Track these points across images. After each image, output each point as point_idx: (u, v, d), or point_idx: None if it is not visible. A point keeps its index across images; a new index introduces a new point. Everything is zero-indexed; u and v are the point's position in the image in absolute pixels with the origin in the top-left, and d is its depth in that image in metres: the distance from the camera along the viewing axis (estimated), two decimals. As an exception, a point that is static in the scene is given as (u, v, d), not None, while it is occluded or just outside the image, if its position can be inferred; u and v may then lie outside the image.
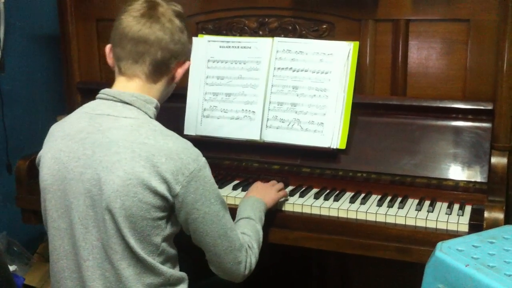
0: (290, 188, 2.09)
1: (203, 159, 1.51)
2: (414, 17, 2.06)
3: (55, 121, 2.91)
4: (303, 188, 2.08)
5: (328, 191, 2.04)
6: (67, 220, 1.52)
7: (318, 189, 2.07)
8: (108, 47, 1.61)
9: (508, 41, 1.91)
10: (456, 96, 2.04)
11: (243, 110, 2.18)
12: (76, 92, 2.60)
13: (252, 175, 2.18)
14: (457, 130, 1.99)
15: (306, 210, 1.93)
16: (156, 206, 1.45)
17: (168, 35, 1.53)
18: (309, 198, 1.99)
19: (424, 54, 2.08)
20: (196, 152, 1.50)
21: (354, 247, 1.87)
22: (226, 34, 2.31)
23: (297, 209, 1.95)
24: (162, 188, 1.43)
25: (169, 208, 1.48)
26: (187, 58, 1.63)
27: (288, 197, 2.01)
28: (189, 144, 1.51)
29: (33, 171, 2.37)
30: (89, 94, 2.54)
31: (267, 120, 2.16)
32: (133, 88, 1.55)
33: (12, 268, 2.60)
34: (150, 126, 1.49)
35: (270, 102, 2.16)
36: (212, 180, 1.53)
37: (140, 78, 1.55)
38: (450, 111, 2.01)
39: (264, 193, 1.87)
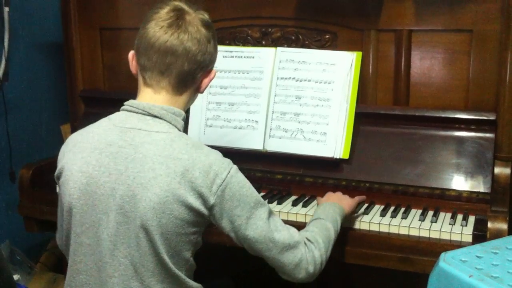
0: (293, 197, 2.10)
1: (234, 166, 1.50)
2: (417, 27, 2.06)
3: (58, 129, 2.94)
4: (306, 198, 2.08)
5: (331, 200, 2.04)
6: (92, 236, 1.48)
7: (321, 199, 2.07)
8: (131, 54, 1.57)
9: (511, 51, 1.92)
10: (459, 106, 2.04)
11: (246, 119, 2.19)
12: (80, 100, 2.61)
13: (255, 184, 2.16)
14: (460, 140, 1.99)
15: (309, 220, 1.93)
16: (190, 221, 1.44)
17: (196, 46, 1.49)
18: (312, 208, 1.99)
19: (426, 64, 2.08)
20: (227, 160, 1.50)
21: (356, 257, 1.87)
22: (229, 44, 2.32)
23: (300, 219, 1.95)
24: (197, 204, 1.43)
25: (203, 223, 1.48)
26: (212, 67, 1.59)
27: (292, 207, 2.01)
28: (219, 154, 1.50)
29: (36, 179, 2.38)
30: (93, 102, 2.57)
31: (270, 129, 2.16)
32: (160, 100, 1.52)
33: (15, 277, 2.60)
34: (182, 140, 1.47)
35: (273, 111, 2.17)
36: (248, 184, 1.51)
37: (166, 91, 1.52)
38: (452, 121, 2.01)
39: (339, 199, 1.84)
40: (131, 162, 1.44)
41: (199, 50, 1.51)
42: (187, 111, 2.21)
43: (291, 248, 1.53)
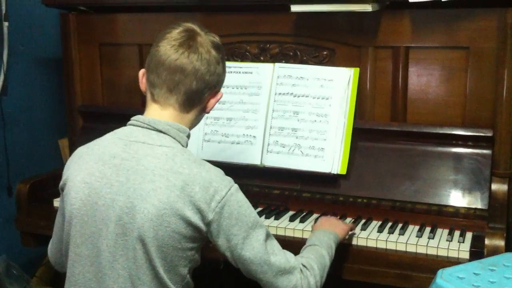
0: (290, 213, 2.10)
1: (235, 184, 1.51)
2: (414, 44, 2.08)
3: (56, 144, 2.94)
4: (304, 214, 2.08)
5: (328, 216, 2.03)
6: (92, 247, 1.49)
7: (319, 214, 2.07)
8: (141, 72, 1.60)
9: (508, 68, 1.93)
10: (456, 122, 2.05)
11: (244, 134, 2.19)
12: (78, 115, 2.61)
13: (252, 200, 2.16)
14: (457, 157, 1.99)
15: (307, 235, 1.92)
16: (187, 236, 1.44)
17: (205, 66, 1.52)
18: (309, 224, 1.99)
19: (424, 81, 2.09)
20: (228, 178, 1.51)
21: (354, 273, 1.87)
22: (228, 59, 2.30)
23: (298, 234, 1.95)
24: (195, 218, 1.43)
25: (200, 239, 1.48)
26: (220, 89, 1.62)
27: (289, 222, 2.01)
28: (220, 171, 1.51)
29: (34, 194, 2.38)
30: (91, 117, 2.58)
31: (268, 144, 2.16)
32: (166, 117, 1.54)
33: (10, 291, 2.58)
34: (184, 155, 1.49)
35: (271, 127, 2.17)
36: (247, 204, 1.51)
37: (174, 108, 1.54)
38: (450, 138, 2.02)
39: (333, 225, 1.83)
40: (132, 174, 1.46)
41: (208, 70, 1.53)
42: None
43: (287, 273, 1.53)
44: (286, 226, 1.98)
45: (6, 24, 2.68)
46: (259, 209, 2.13)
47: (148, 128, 1.53)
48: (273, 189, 2.18)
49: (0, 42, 2.70)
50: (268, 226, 1.97)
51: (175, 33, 1.54)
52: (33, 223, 2.35)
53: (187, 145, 1.58)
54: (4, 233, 2.79)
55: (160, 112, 1.55)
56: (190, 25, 1.57)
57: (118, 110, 2.44)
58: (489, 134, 1.96)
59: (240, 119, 2.21)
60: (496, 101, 1.96)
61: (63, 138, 2.88)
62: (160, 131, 1.52)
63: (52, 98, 3.05)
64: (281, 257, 1.54)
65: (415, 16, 2.06)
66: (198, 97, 1.55)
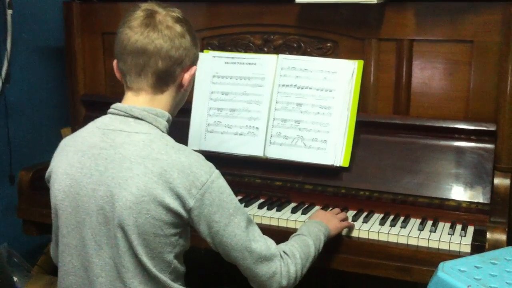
0: (292, 205, 2.10)
1: (216, 170, 1.49)
2: (418, 37, 2.07)
3: (59, 133, 2.94)
4: (306, 206, 2.08)
5: (330, 208, 2.04)
6: (78, 237, 1.50)
7: (320, 207, 2.07)
8: (115, 62, 1.58)
9: (511, 63, 1.93)
10: (459, 116, 2.05)
11: (247, 126, 2.20)
12: (81, 104, 2.62)
13: (254, 191, 2.19)
14: (460, 151, 2.00)
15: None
16: (169, 223, 1.43)
17: (168, 42, 1.48)
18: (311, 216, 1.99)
19: (427, 74, 2.09)
20: (209, 164, 1.49)
21: (354, 265, 1.87)
22: (231, 50, 2.32)
23: (299, 226, 1.95)
24: (175, 205, 1.42)
25: (183, 224, 1.47)
26: (193, 63, 1.58)
27: (291, 214, 2.01)
28: (201, 157, 1.49)
29: (35, 182, 2.38)
30: (94, 107, 2.58)
31: (271, 136, 2.16)
32: (141, 102, 1.52)
33: (12, 279, 2.59)
34: (162, 141, 1.47)
35: (274, 118, 2.17)
36: (229, 190, 1.50)
37: (146, 91, 1.52)
38: (452, 131, 2.02)
39: (327, 219, 1.83)
40: (110, 163, 1.45)
41: (172, 46, 1.49)
42: (187, 116, 2.24)
43: (267, 259, 1.52)
44: (288, 217, 1.99)
45: (10, 12, 2.67)
46: (261, 200, 2.14)
47: (126, 116, 1.51)
48: (275, 180, 2.18)
49: (3, 30, 2.70)
50: (270, 217, 1.99)
51: (134, 16, 1.51)
52: (34, 212, 2.36)
53: (167, 130, 1.55)
54: (6, 222, 2.80)
55: (134, 99, 1.53)
56: (148, 4, 1.53)
57: (121, 100, 2.44)
58: (492, 128, 1.97)
59: (243, 110, 2.21)
60: (500, 96, 1.96)
61: (65, 127, 2.88)
62: (137, 118, 1.50)
63: (55, 87, 3.04)
64: (262, 243, 1.53)
65: (419, 9, 2.05)
66: (169, 76, 1.52)
